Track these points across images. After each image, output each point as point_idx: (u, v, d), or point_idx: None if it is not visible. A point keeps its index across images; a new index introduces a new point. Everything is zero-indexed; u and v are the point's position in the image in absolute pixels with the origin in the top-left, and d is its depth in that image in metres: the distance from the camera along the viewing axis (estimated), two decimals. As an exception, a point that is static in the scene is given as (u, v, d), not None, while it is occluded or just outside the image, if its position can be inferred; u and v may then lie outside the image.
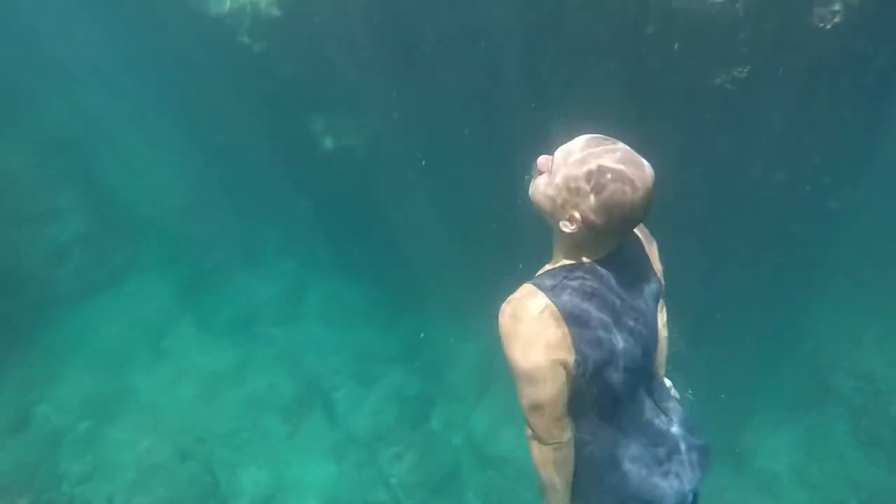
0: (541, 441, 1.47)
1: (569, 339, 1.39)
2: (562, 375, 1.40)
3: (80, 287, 6.75)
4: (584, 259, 1.49)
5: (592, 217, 1.39)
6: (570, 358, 1.40)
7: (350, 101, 5.45)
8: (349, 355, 6.39)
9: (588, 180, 1.38)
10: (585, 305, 1.42)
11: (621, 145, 1.41)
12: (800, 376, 5.60)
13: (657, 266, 1.70)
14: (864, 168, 4.08)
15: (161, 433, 5.60)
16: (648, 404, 1.62)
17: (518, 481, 5.24)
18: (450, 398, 6.04)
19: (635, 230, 1.64)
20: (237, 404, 5.90)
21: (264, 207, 7.39)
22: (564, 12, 3.76)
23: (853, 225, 4.65)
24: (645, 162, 1.40)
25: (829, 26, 3.20)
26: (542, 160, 1.49)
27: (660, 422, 1.62)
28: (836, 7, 3.17)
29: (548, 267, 1.56)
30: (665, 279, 1.73)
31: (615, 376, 1.47)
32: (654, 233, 1.75)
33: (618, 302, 1.48)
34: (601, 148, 1.40)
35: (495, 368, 5.60)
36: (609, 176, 1.36)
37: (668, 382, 1.82)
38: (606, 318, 1.44)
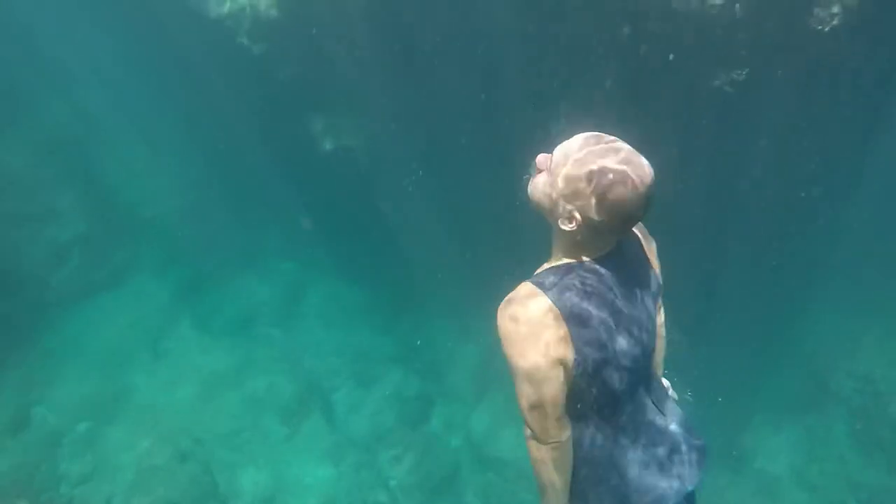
0: (539, 440, 1.47)
1: (568, 339, 1.39)
2: (561, 375, 1.40)
3: (79, 288, 6.75)
4: (584, 258, 1.49)
5: (592, 215, 1.39)
6: (570, 357, 1.40)
7: (349, 102, 5.46)
8: (349, 356, 6.39)
9: (588, 178, 1.38)
10: (585, 304, 1.42)
11: (621, 143, 1.41)
12: (799, 377, 5.60)
13: (656, 265, 1.70)
14: (864, 169, 4.09)
15: (160, 434, 5.60)
16: (647, 404, 1.62)
17: (517, 482, 5.24)
18: (449, 399, 6.03)
19: (634, 229, 1.64)
20: (236, 405, 5.90)
21: (264, 208, 7.39)
22: (564, 12, 3.76)
23: (853, 226, 4.66)
24: (644, 160, 1.40)
25: (827, 28, 3.20)
26: (541, 158, 1.49)
27: (659, 421, 1.62)
28: (835, 9, 3.18)
29: (547, 266, 1.55)
30: (664, 280, 1.73)
31: (615, 376, 1.47)
32: (654, 233, 1.75)
33: (617, 301, 1.48)
34: (601, 146, 1.40)
35: (495, 369, 5.60)
36: (609, 174, 1.36)
37: (666, 382, 1.83)
38: (606, 318, 1.44)
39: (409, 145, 5.27)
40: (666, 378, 1.87)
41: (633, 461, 1.56)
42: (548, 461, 1.48)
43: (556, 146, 1.47)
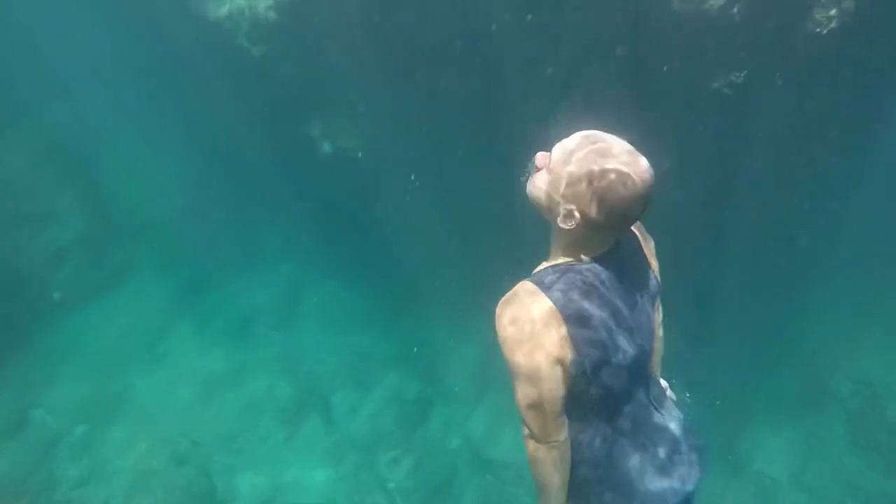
0: (538, 440, 1.46)
1: (567, 338, 1.39)
2: (560, 374, 1.40)
3: (78, 289, 6.72)
4: (583, 256, 1.49)
5: (591, 213, 1.39)
6: (569, 356, 1.40)
7: (349, 104, 5.46)
8: (347, 358, 6.38)
9: (587, 176, 1.38)
10: (585, 303, 1.42)
11: (620, 141, 1.42)
12: (798, 379, 5.59)
13: (654, 264, 1.70)
14: (863, 170, 4.10)
15: (158, 437, 5.57)
16: (646, 404, 1.62)
17: (516, 485, 5.23)
18: (448, 401, 6.02)
19: (633, 228, 1.64)
20: (235, 408, 5.88)
21: (263, 210, 7.38)
22: (564, 13, 3.78)
23: (851, 227, 4.67)
24: (643, 158, 1.40)
25: (825, 31, 3.22)
26: (540, 156, 1.49)
27: (658, 421, 1.62)
28: (833, 12, 3.19)
29: (545, 264, 1.55)
30: (663, 281, 1.73)
31: (614, 375, 1.47)
32: (652, 233, 1.75)
33: (616, 300, 1.48)
34: (600, 144, 1.40)
35: (494, 371, 5.59)
36: (608, 172, 1.36)
37: (663, 383, 1.82)
38: (606, 317, 1.44)
39: (409, 146, 5.27)
40: (664, 378, 1.87)
41: (632, 461, 1.55)
42: (546, 461, 1.48)
43: (554, 145, 1.48)
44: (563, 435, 1.47)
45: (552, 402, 1.42)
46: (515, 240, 3.88)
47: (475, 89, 4.58)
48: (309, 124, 5.76)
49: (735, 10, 3.27)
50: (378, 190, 5.70)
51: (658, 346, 1.83)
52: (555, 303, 1.40)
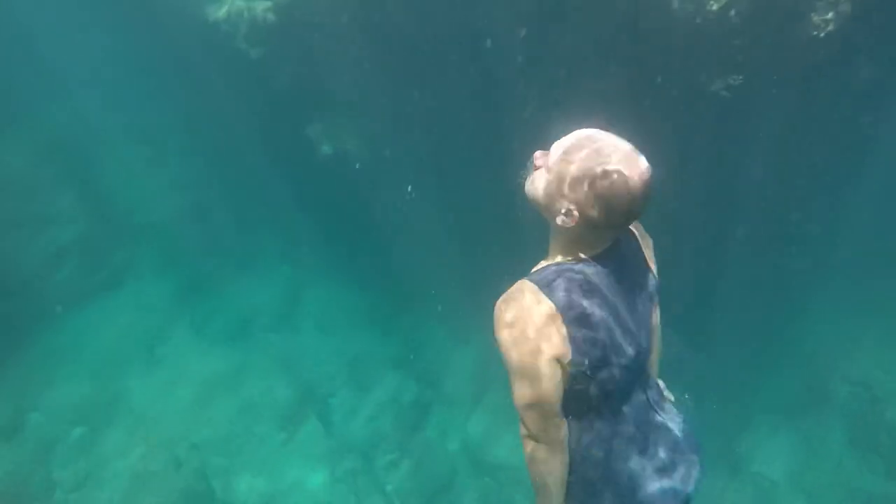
0: (535, 440, 1.46)
1: (566, 337, 1.39)
2: (558, 373, 1.39)
3: (77, 290, 6.71)
4: (582, 255, 1.48)
5: (590, 212, 1.39)
6: (568, 356, 1.39)
7: (347, 105, 5.46)
8: (345, 361, 6.37)
9: (586, 175, 1.38)
10: (584, 302, 1.42)
11: (619, 140, 1.41)
12: (796, 381, 5.60)
13: (653, 264, 1.69)
14: (860, 172, 4.11)
15: (155, 440, 5.56)
16: (644, 404, 1.62)
17: (514, 488, 5.22)
18: (446, 404, 6.01)
19: (631, 227, 1.64)
20: (232, 410, 5.86)
21: (262, 211, 7.38)
22: (564, 15, 3.79)
23: (849, 229, 4.68)
24: (642, 157, 1.40)
25: (822, 34, 3.23)
26: (539, 155, 1.49)
27: (656, 422, 1.62)
28: (830, 15, 3.21)
29: (544, 263, 1.55)
30: (662, 281, 1.73)
31: (612, 375, 1.46)
32: (652, 234, 1.75)
33: (616, 299, 1.48)
34: (599, 143, 1.40)
35: (493, 373, 5.59)
36: (607, 170, 1.36)
37: (661, 383, 1.82)
38: (605, 316, 1.44)
39: (408, 148, 5.28)
40: (662, 379, 1.87)
41: (632, 462, 1.55)
42: (544, 461, 1.47)
43: (552, 143, 1.48)
44: (561, 435, 1.47)
45: (550, 402, 1.41)
46: (515, 241, 3.88)
47: (474, 90, 4.58)
48: (308, 126, 5.76)
49: (733, 13, 3.29)
50: (377, 191, 5.70)
51: (656, 346, 1.83)
52: (554, 302, 1.40)
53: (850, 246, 4.96)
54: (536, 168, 1.50)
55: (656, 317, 1.79)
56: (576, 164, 1.39)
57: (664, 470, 1.58)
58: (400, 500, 5.39)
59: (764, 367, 5.18)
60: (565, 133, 1.47)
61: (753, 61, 3.41)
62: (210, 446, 5.56)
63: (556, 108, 4.04)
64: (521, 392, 1.42)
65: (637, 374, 1.58)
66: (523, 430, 1.47)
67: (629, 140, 1.44)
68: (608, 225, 1.42)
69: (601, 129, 1.46)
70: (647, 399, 1.64)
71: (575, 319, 1.40)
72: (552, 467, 1.48)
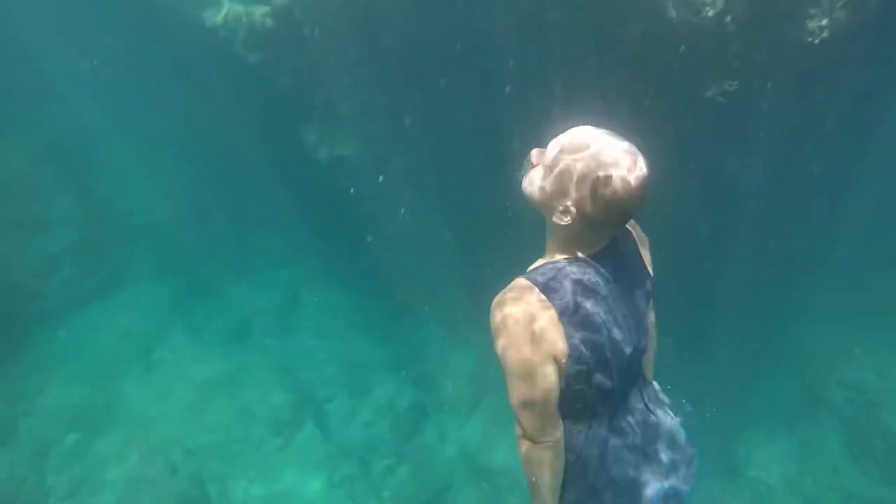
0: (531, 439, 1.45)
1: (563, 336, 1.38)
2: (554, 372, 1.39)
3: (70, 297, 6.68)
4: (579, 253, 1.48)
5: (587, 209, 1.39)
6: (564, 355, 1.39)
7: (346, 110, 5.47)
8: (342, 366, 6.35)
9: (583, 171, 1.37)
10: (580, 301, 1.41)
11: (615, 136, 1.41)
12: (792, 386, 5.61)
13: (649, 265, 1.70)
14: (853, 179, 4.14)
15: (151, 445, 5.51)
16: (640, 405, 1.62)
17: (512, 493, 5.21)
18: (444, 409, 6.00)
19: (629, 227, 1.64)
20: (229, 416, 5.83)
21: (258, 217, 7.38)
22: (563, 20, 3.81)
23: (845, 235, 4.70)
24: (640, 154, 1.40)
25: (817, 40, 3.27)
26: (536, 153, 1.49)
27: (652, 422, 1.62)
28: (825, 21, 3.24)
29: (541, 261, 1.54)
30: (659, 285, 1.73)
31: (608, 374, 1.46)
32: (648, 234, 1.75)
33: (613, 298, 1.48)
34: (595, 139, 1.39)
35: (490, 378, 5.58)
36: (605, 167, 1.36)
37: (656, 385, 1.82)
38: (602, 315, 1.43)
39: (406, 151, 5.29)
40: (657, 381, 1.87)
41: (627, 462, 1.55)
42: (539, 461, 1.47)
43: (549, 142, 1.48)
44: (557, 434, 1.46)
45: (545, 401, 1.40)
46: (513, 248, 3.88)
47: (474, 95, 4.60)
48: (306, 129, 5.77)
49: (729, 18, 3.32)
50: (374, 197, 5.70)
51: (651, 347, 1.83)
52: (550, 300, 1.39)
53: (849, 248, 4.99)
54: (533, 166, 1.50)
55: (652, 317, 1.79)
56: (572, 161, 1.39)
57: (665, 470, 1.58)
58: (397, 506, 5.38)
59: (761, 370, 5.19)
60: (562, 131, 1.48)
61: (749, 67, 3.44)
62: (206, 451, 5.53)
63: (555, 119, 4.06)
64: (517, 391, 1.41)
65: (632, 374, 1.58)
66: (519, 430, 1.47)
67: (627, 139, 1.44)
68: (605, 222, 1.42)
69: (598, 126, 1.46)
70: (644, 400, 1.64)
71: (571, 317, 1.40)
72: (547, 468, 1.47)
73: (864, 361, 5.46)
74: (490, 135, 4.60)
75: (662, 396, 1.79)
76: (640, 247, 1.67)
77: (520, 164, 1.55)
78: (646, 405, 1.63)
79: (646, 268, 1.66)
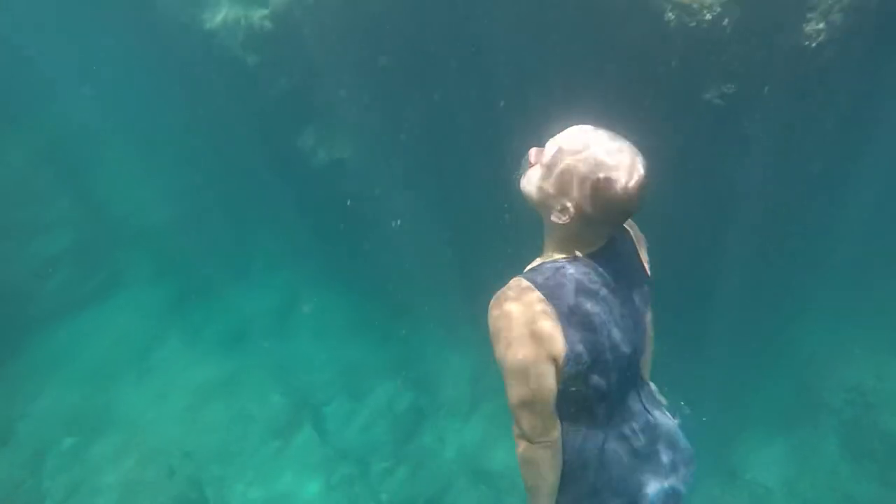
0: (529, 439, 1.45)
1: (561, 335, 1.38)
2: (552, 372, 1.39)
3: (69, 299, 6.66)
4: (577, 253, 1.48)
5: (586, 208, 1.39)
6: (562, 354, 1.39)
7: (343, 114, 5.48)
8: (340, 369, 6.34)
9: (582, 171, 1.37)
10: (578, 300, 1.41)
11: (613, 135, 1.41)
12: (790, 388, 5.62)
13: (647, 264, 1.70)
14: (853, 179, 4.16)
15: (148, 449, 5.50)
16: (637, 405, 1.62)
17: (511, 494, 5.20)
18: (442, 412, 5.99)
19: (627, 227, 1.64)
20: (227, 418, 5.82)
21: (257, 219, 7.37)
22: (561, 23, 3.82)
23: (845, 235, 4.72)
24: (638, 153, 1.40)
25: (814, 44, 3.28)
26: (534, 152, 1.50)
27: (648, 422, 1.62)
28: (821, 25, 3.26)
29: (539, 260, 1.54)
30: (658, 286, 1.74)
31: (606, 374, 1.46)
32: (647, 234, 1.75)
33: (611, 298, 1.48)
34: (594, 138, 1.40)
35: (488, 381, 5.58)
36: (603, 166, 1.36)
37: (652, 386, 1.82)
38: (599, 314, 1.43)
39: (405, 154, 5.29)
40: (653, 382, 1.87)
41: (624, 462, 1.55)
42: (537, 461, 1.46)
43: (547, 141, 1.48)
44: (554, 434, 1.46)
45: (543, 400, 1.40)
46: (511, 251, 3.89)
47: (472, 98, 4.60)
48: (305, 132, 5.77)
49: (726, 22, 3.33)
50: (372, 200, 5.70)
51: (648, 347, 1.83)
52: (547, 298, 1.39)
53: (849, 248, 5.00)
54: (531, 165, 1.50)
55: (649, 317, 1.80)
56: (571, 160, 1.39)
57: (665, 470, 1.58)
58: (395, 509, 5.36)
59: (760, 371, 5.19)
60: (560, 130, 1.48)
61: (747, 70, 3.45)
62: (204, 455, 5.51)
63: (555, 121, 4.06)
64: (515, 391, 1.41)
65: (630, 374, 1.58)
66: (517, 430, 1.46)
67: (626, 139, 1.44)
68: (603, 221, 1.42)
69: (596, 126, 1.46)
70: (640, 399, 1.64)
71: (569, 317, 1.40)
72: (545, 467, 1.47)
73: (864, 363, 5.46)
74: (489, 136, 4.61)
75: (659, 397, 1.79)
76: (637, 246, 1.67)
77: (518, 164, 1.55)
78: (644, 406, 1.63)
79: (643, 267, 1.66)
